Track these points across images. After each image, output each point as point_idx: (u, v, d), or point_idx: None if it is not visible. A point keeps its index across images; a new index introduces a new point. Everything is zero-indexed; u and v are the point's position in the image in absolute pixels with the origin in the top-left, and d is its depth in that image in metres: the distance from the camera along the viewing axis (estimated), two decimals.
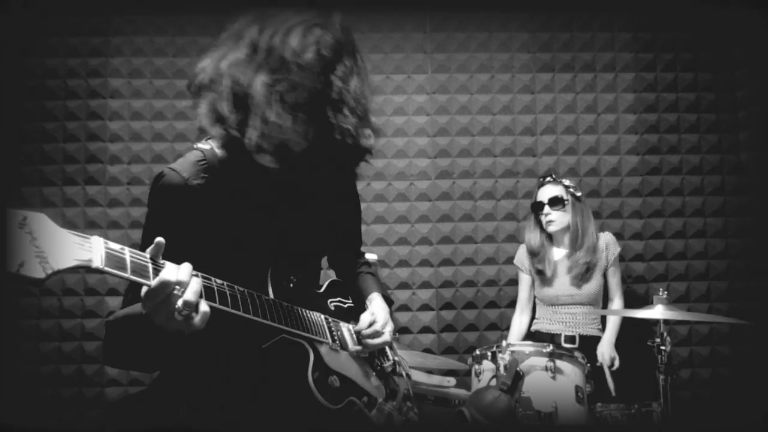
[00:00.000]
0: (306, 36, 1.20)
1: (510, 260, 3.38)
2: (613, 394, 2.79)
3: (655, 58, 3.65)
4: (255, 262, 1.34)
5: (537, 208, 3.13)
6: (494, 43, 3.63)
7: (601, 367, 2.85)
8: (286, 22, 1.22)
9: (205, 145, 1.34)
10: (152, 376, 3.31)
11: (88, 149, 3.45)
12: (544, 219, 3.10)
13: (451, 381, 2.74)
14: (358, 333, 1.54)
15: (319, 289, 1.63)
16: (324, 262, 1.78)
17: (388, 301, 1.71)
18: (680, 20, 3.63)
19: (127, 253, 1.01)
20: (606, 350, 2.96)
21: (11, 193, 3.31)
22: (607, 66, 3.64)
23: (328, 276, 1.72)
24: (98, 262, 0.95)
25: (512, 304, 3.36)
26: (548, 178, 3.18)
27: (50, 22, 3.44)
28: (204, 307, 1.09)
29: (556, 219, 3.07)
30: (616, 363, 2.98)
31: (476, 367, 2.58)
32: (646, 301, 3.39)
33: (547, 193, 3.11)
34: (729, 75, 3.64)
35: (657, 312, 2.28)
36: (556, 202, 3.07)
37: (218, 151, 1.32)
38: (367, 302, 1.68)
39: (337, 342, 1.49)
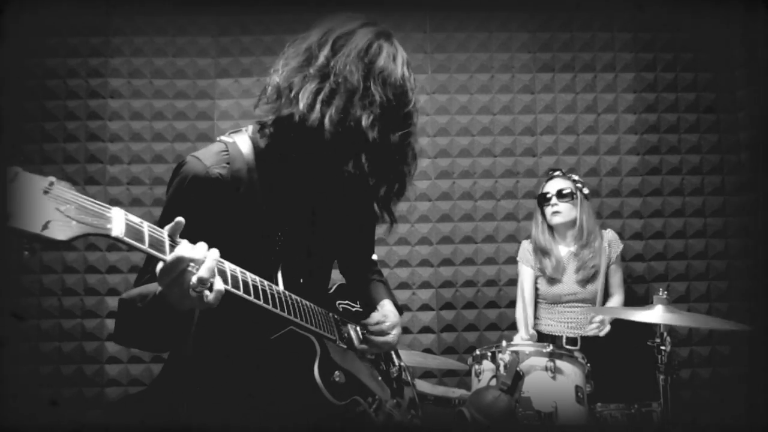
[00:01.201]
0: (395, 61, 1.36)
1: (510, 260, 3.37)
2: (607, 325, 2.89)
3: (655, 58, 3.64)
4: (267, 255, 1.35)
5: (543, 200, 3.11)
6: (494, 43, 3.63)
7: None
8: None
9: (228, 138, 1.38)
10: (153, 373, 3.32)
11: (88, 149, 3.45)
12: (549, 210, 3.07)
13: (456, 392, 2.73)
14: (364, 327, 1.54)
15: (329, 290, 1.63)
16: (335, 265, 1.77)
17: (399, 311, 1.71)
18: (680, 20, 3.63)
19: (146, 227, 1.03)
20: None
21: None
22: (607, 66, 3.64)
23: (335, 280, 1.72)
24: (118, 231, 0.97)
25: (512, 304, 3.35)
26: (557, 172, 3.18)
27: (50, 22, 3.44)
28: (219, 285, 1.11)
29: (563, 210, 3.05)
30: (606, 329, 2.95)
31: (476, 367, 2.58)
32: (646, 301, 3.38)
33: (555, 185, 3.10)
34: (729, 75, 3.64)
35: (655, 315, 2.27)
36: (563, 194, 3.06)
37: (242, 147, 1.36)
38: (378, 307, 1.68)
39: (345, 340, 1.49)
